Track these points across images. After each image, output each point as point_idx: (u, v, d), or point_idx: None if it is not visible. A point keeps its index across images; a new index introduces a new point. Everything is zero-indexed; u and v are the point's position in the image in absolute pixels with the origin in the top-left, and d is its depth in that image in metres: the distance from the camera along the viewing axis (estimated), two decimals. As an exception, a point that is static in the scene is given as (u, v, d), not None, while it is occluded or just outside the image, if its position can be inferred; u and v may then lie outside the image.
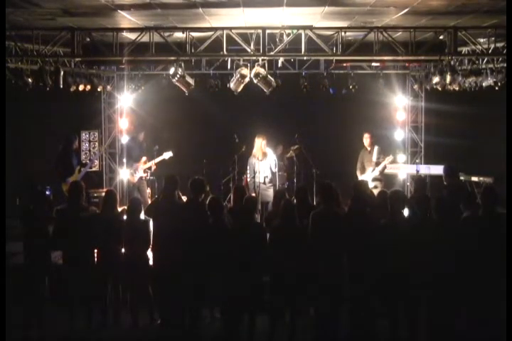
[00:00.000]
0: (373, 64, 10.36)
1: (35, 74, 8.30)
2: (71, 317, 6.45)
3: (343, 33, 8.15)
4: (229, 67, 9.63)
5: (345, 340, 6.01)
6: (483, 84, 8.67)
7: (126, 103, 11.67)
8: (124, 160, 10.88)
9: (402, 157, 11.24)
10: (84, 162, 10.96)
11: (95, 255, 6.51)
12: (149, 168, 10.46)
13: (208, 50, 8.34)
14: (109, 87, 11.15)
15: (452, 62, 8.42)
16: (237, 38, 8.11)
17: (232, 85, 9.47)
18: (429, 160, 11.43)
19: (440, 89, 9.20)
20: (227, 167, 10.17)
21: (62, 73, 8.38)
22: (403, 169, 11.24)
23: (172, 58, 8.59)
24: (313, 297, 5.97)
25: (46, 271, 6.59)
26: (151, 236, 6.42)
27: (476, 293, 5.66)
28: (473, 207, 6.04)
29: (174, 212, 6.31)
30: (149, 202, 9.20)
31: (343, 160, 10.87)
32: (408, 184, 11.39)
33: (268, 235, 6.08)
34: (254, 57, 8.73)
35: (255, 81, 8.98)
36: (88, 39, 8.40)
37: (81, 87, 9.56)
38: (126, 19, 7.88)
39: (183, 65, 8.71)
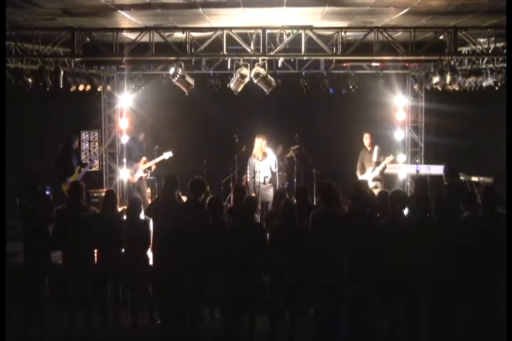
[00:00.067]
0: (373, 64, 10.36)
1: (35, 74, 8.30)
2: (71, 317, 6.45)
3: (343, 33, 8.15)
4: (229, 67, 9.63)
5: (345, 340, 6.01)
6: (483, 84, 8.67)
7: (126, 103, 11.68)
8: (124, 160, 10.88)
9: (402, 157, 11.25)
10: (84, 162, 10.96)
11: (95, 255, 6.51)
12: (149, 168, 10.46)
13: (208, 50, 8.34)
14: (109, 87, 11.15)
15: (452, 62, 8.42)
16: (237, 38, 8.11)
17: (232, 85, 9.47)
18: (429, 160, 11.43)
19: (440, 89, 9.20)
20: (227, 167, 10.17)
21: (62, 73, 8.38)
22: (403, 169, 11.24)
23: (172, 58, 8.59)
24: (313, 297, 5.97)
25: (46, 271, 6.59)
26: (151, 236, 6.42)
27: (476, 293, 5.66)
28: (473, 207, 6.04)
29: (174, 212, 6.31)
30: (149, 202, 9.20)
31: (343, 160, 10.87)
32: (408, 184, 11.39)
33: (268, 235, 6.08)
34: (254, 57, 8.73)
35: (255, 81, 8.98)
36: (88, 39, 8.40)
37: (81, 87, 9.56)
38: (126, 19, 7.88)
39: (183, 64, 8.71)
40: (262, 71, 8.89)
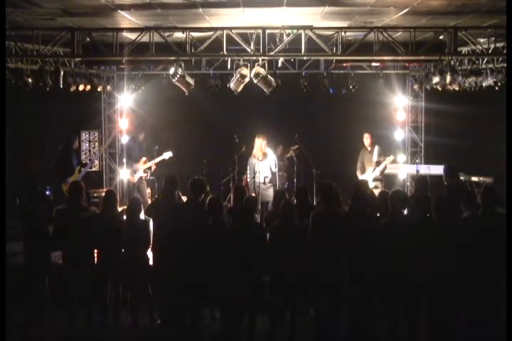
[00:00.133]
0: (373, 64, 10.37)
1: (35, 74, 8.30)
2: (71, 317, 6.44)
3: (343, 33, 8.16)
4: (229, 67, 9.63)
5: (345, 340, 6.01)
6: (483, 84, 8.67)
7: (126, 103, 11.68)
8: (124, 160, 10.88)
9: (402, 157, 11.25)
10: (84, 162, 10.95)
11: (95, 255, 6.51)
12: (149, 168, 10.46)
13: (208, 50, 8.34)
14: (109, 87, 11.15)
15: (452, 62, 8.42)
16: (237, 38, 8.11)
17: (232, 85, 9.47)
18: (429, 160, 11.43)
19: (440, 89, 9.20)
20: (227, 167, 10.17)
21: (62, 73, 8.38)
22: (403, 169, 11.24)
23: (172, 58, 8.59)
24: (313, 297, 5.97)
25: (46, 271, 6.59)
26: (151, 236, 6.42)
27: (476, 293, 5.66)
28: (473, 207, 6.04)
29: (174, 212, 6.30)
30: (149, 202, 9.20)
31: (343, 160, 10.88)
32: (408, 184, 11.39)
33: (268, 235, 6.08)
34: (254, 57, 8.73)
35: (255, 81, 8.98)
36: (88, 39, 8.40)
37: (81, 87, 9.56)
38: (126, 19, 7.88)
39: (183, 64, 8.71)
40: (262, 71, 8.89)
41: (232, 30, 8.10)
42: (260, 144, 9.87)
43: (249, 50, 8.26)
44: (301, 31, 8.12)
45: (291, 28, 8.21)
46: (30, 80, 8.33)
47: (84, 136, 11.67)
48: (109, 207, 6.51)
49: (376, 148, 10.22)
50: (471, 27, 8.13)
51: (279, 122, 11.25)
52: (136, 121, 11.58)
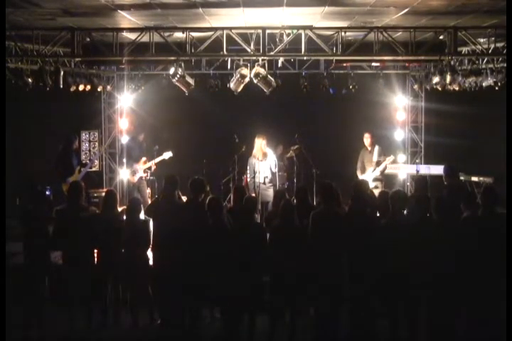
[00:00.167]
0: (373, 64, 10.37)
1: (35, 74, 8.30)
2: (71, 317, 6.44)
3: (343, 33, 8.16)
4: (229, 67, 9.63)
5: (345, 340, 6.01)
6: (483, 84, 8.67)
7: (126, 103, 11.68)
8: (124, 160, 10.88)
9: (402, 157, 11.25)
10: (84, 162, 10.96)
11: (95, 255, 6.51)
12: (149, 168, 10.46)
13: (208, 50, 8.34)
14: (109, 87, 11.15)
15: (452, 62, 8.42)
16: (237, 38, 8.11)
17: (232, 85, 9.47)
18: (429, 160, 11.43)
19: (440, 89, 9.20)
20: (227, 167, 10.16)
21: (62, 73, 8.38)
22: (403, 169, 11.25)
23: (172, 58, 8.59)
24: (313, 297, 5.96)
25: (46, 271, 6.58)
26: (151, 236, 6.42)
27: (476, 293, 5.66)
28: (473, 207, 6.04)
29: (174, 212, 6.30)
30: (149, 202, 9.20)
31: (343, 160, 10.88)
32: (408, 184, 11.39)
33: (268, 235, 6.08)
34: (254, 57, 8.73)
35: (255, 81, 8.98)
36: (88, 39, 8.40)
37: (81, 87, 9.56)
38: (126, 19, 7.88)
39: (183, 64, 8.71)
40: (262, 71, 8.89)
41: (232, 30, 8.10)
42: (260, 144, 9.86)
43: (249, 50, 8.26)
44: (301, 31, 8.11)
45: (291, 28, 8.21)
46: (30, 80, 8.33)
47: (84, 136, 11.67)
48: (109, 207, 6.51)
49: (376, 148, 10.21)
50: (471, 27, 8.13)
51: (279, 122, 11.25)
52: (136, 121, 11.58)
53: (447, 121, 11.06)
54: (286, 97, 10.87)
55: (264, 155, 9.89)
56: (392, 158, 10.16)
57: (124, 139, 11.50)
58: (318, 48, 8.25)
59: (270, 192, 9.64)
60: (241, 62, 9.35)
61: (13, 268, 6.75)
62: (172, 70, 8.72)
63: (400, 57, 8.47)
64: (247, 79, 9.09)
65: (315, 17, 7.84)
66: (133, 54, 8.35)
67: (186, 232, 6.08)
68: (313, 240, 5.93)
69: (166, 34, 8.33)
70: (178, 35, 8.40)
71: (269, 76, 9.03)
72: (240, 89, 9.49)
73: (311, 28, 8.15)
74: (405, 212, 6.13)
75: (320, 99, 10.85)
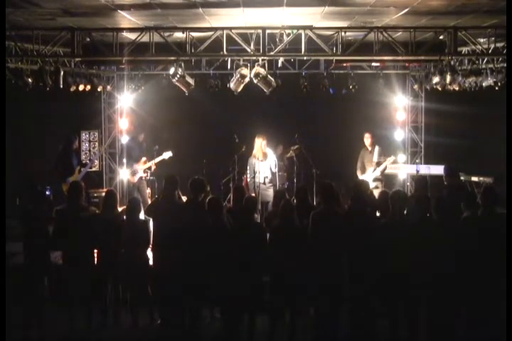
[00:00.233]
0: (373, 64, 10.37)
1: (35, 74, 8.30)
2: (71, 317, 6.44)
3: (343, 33, 8.15)
4: (229, 67, 9.63)
5: (345, 340, 6.01)
6: (483, 84, 8.67)
7: (126, 103, 11.68)
8: (124, 160, 10.88)
9: (402, 157, 11.25)
10: (84, 162, 10.96)
11: (95, 255, 6.51)
12: (149, 168, 10.46)
13: (208, 50, 8.34)
14: (109, 87, 11.16)
15: (452, 62, 8.42)
16: (237, 38, 8.11)
17: (232, 85, 9.47)
18: (429, 160, 11.43)
19: (440, 89, 9.20)
20: (227, 167, 10.16)
21: (62, 73, 8.38)
22: (403, 169, 11.24)
23: (172, 58, 8.59)
24: (313, 297, 5.96)
25: (46, 271, 6.58)
26: (151, 236, 6.42)
27: (476, 293, 5.66)
28: (473, 207, 6.04)
29: (174, 212, 6.30)
30: (149, 202, 9.20)
31: (343, 160, 10.88)
32: (408, 184, 11.39)
33: (268, 235, 6.08)
34: (254, 57, 8.73)
35: (255, 81, 8.98)
36: (88, 39, 8.40)
37: (81, 87, 9.57)
38: (126, 19, 7.88)
39: (183, 64, 8.71)
40: (262, 71, 8.89)
41: (232, 30, 8.10)
42: (260, 144, 9.86)
43: (249, 50, 8.26)
44: (301, 31, 8.11)
45: (291, 28, 8.21)
46: (30, 80, 8.33)
47: (84, 136, 11.67)
48: (109, 207, 6.51)
49: (377, 148, 10.21)
50: (471, 27, 8.13)
51: (279, 122, 11.25)
52: (136, 121, 11.58)
53: (447, 121, 11.06)
54: (286, 97, 10.87)
55: (264, 155, 9.89)
56: (393, 159, 10.15)
57: (124, 139, 11.50)
58: (318, 48, 8.25)
59: (270, 192, 9.64)
60: (241, 62, 9.35)
61: (13, 268, 6.75)
62: (172, 70, 8.72)
63: (400, 57, 8.47)
64: (247, 79, 9.09)
65: (315, 17, 7.84)
66: (133, 54, 8.35)
67: (186, 232, 6.08)
68: (313, 240, 5.93)
69: (166, 34, 8.33)
70: (178, 35, 8.40)
71: (269, 76, 9.03)
72: (239, 89, 9.49)
73: (311, 28, 8.15)
74: (405, 212, 6.13)
75: (320, 99, 10.85)
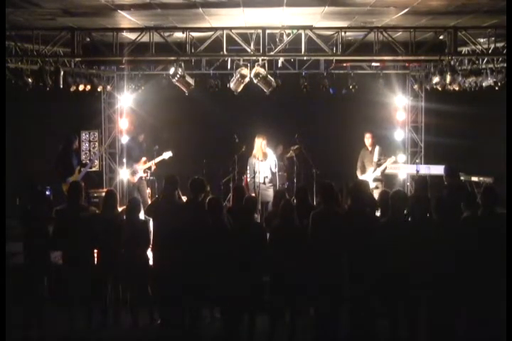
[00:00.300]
0: (373, 64, 10.37)
1: (35, 74, 8.30)
2: (71, 317, 6.44)
3: (343, 33, 8.15)
4: (229, 67, 9.63)
5: (345, 340, 6.01)
6: (483, 84, 8.67)
7: (126, 103, 11.68)
8: (124, 160, 10.88)
9: (402, 157, 11.24)
10: (84, 162, 10.95)
11: (95, 255, 6.51)
12: (149, 168, 10.46)
13: (208, 50, 8.34)
14: (109, 87, 11.16)
15: (452, 62, 8.42)
16: (237, 38, 8.11)
17: (232, 85, 9.47)
18: (429, 160, 11.43)
19: (440, 89, 9.20)
20: (227, 167, 10.16)
21: (62, 73, 8.38)
22: (403, 169, 11.24)
23: (172, 58, 8.59)
24: (313, 297, 5.96)
25: (46, 271, 6.58)
26: (151, 236, 6.42)
27: (476, 293, 5.66)
28: (473, 207, 6.04)
29: (174, 212, 6.30)
30: (149, 202, 9.20)
31: (343, 160, 10.88)
32: (408, 184, 11.39)
33: (268, 235, 6.08)
34: (254, 57, 8.73)
35: (255, 81, 8.98)
36: (88, 39, 8.40)
37: (81, 87, 9.56)
38: (126, 19, 7.88)
39: (183, 64, 8.71)
40: (262, 71, 8.89)
41: (232, 30, 8.09)
42: (260, 144, 9.86)
43: (249, 50, 8.26)
44: (301, 31, 8.11)
45: (291, 28, 8.21)
46: (30, 80, 8.33)
47: (84, 136, 11.67)
48: (109, 207, 6.51)
49: (377, 148, 10.21)
50: (471, 27, 8.13)
51: (279, 122, 11.25)
52: (136, 121, 11.59)
53: (447, 121, 11.06)
54: (286, 97, 10.87)
55: (264, 155, 9.89)
56: (393, 160, 10.15)
57: (124, 139, 11.50)
58: (318, 48, 8.25)
59: (270, 192, 9.64)
60: (241, 62, 9.35)
61: (13, 268, 6.76)
62: (172, 70, 8.71)
63: (400, 57, 8.47)
64: (247, 79, 9.09)
65: (315, 17, 7.84)
66: (133, 54, 8.35)
67: (186, 232, 6.08)
68: (313, 240, 5.92)
69: (166, 34, 8.33)
70: (178, 35, 8.40)
71: (269, 76, 9.03)
72: (239, 89, 9.49)
73: (311, 28, 8.15)
74: (405, 212, 6.13)
75: (320, 99, 10.85)
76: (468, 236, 5.66)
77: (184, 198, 6.94)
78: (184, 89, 9.31)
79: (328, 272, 5.81)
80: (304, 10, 7.40)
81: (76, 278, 6.42)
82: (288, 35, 8.26)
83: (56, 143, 10.12)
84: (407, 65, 10.80)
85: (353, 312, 5.95)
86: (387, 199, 6.04)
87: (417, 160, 11.69)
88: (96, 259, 6.49)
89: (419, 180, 8.27)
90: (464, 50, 8.99)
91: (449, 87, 8.85)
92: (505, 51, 8.20)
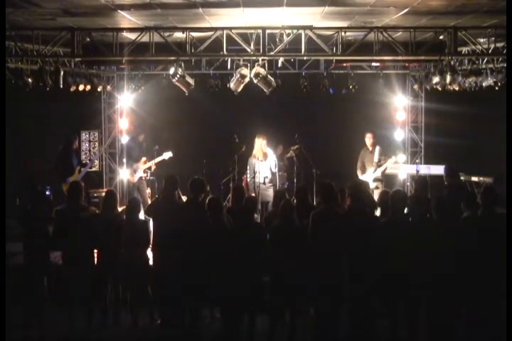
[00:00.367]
0: (373, 64, 10.36)
1: (35, 74, 8.30)
2: (71, 317, 6.44)
3: (343, 33, 8.15)
4: (229, 67, 9.63)
5: (345, 340, 6.01)
6: (483, 84, 8.67)
7: (126, 103, 11.68)
8: (124, 160, 10.88)
9: (402, 157, 11.23)
10: (84, 162, 10.95)
11: (95, 255, 6.51)
12: (149, 168, 10.45)
13: (208, 50, 8.34)
14: (109, 87, 11.15)
15: (452, 62, 8.42)
16: (237, 38, 8.11)
17: (232, 85, 9.47)
18: (429, 160, 11.43)
19: (440, 89, 9.20)
20: (227, 167, 10.16)
21: (62, 73, 8.37)
22: (403, 169, 11.24)
23: (172, 58, 8.58)
24: (313, 297, 5.96)
25: (46, 271, 6.58)
26: (151, 236, 6.42)
27: (476, 293, 5.66)
28: (473, 207, 6.04)
29: (174, 212, 6.30)
30: (149, 202, 9.20)
31: (343, 160, 10.88)
32: (408, 184, 11.39)
33: (268, 235, 6.08)
34: (254, 57, 8.72)
35: (255, 81, 8.98)
36: (88, 39, 8.40)
37: (81, 87, 9.56)
38: (126, 19, 7.88)
39: (183, 64, 8.71)
40: (262, 71, 8.89)
41: (232, 30, 8.09)
42: (260, 144, 9.86)
43: (249, 50, 8.26)
44: (301, 31, 8.11)
45: (291, 28, 8.20)
46: (30, 80, 8.33)
47: (84, 136, 11.67)
48: (109, 207, 6.51)
49: (377, 148, 10.21)
50: (471, 27, 8.13)
51: (279, 122, 11.25)
52: (136, 121, 11.58)
53: (447, 121, 11.06)
54: (286, 97, 10.87)
55: (264, 155, 9.89)
56: (394, 160, 10.14)
57: (124, 139, 11.50)
58: (318, 48, 8.25)
59: (270, 192, 9.64)
60: (241, 62, 9.34)
61: (13, 268, 6.76)
62: (172, 70, 8.71)
63: (400, 57, 8.47)
64: (247, 79, 9.09)
65: (315, 17, 7.84)
66: (133, 54, 8.35)
67: (186, 232, 6.08)
68: (313, 240, 5.93)
69: (166, 34, 8.33)
70: (178, 35, 8.40)
71: (269, 76, 9.03)
72: (239, 89, 9.49)
73: (311, 28, 8.15)
74: (405, 211, 6.13)
75: (320, 99, 10.85)
76: (468, 236, 5.67)
77: (184, 198, 6.94)
78: (184, 89, 9.31)
79: (328, 272, 5.81)
80: (304, 10, 7.40)
81: (76, 278, 6.42)
82: (288, 35, 8.26)
83: (56, 143, 10.11)
84: (407, 65, 10.80)
85: (353, 312, 5.96)
86: (387, 199, 6.04)
87: (417, 160, 11.69)
88: (96, 259, 6.50)
89: (419, 180, 8.27)
90: (464, 50, 8.99)
91: (449, 87, 8.85)
92: (505, 51, 8.19)
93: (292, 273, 5.81)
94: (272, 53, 8.30)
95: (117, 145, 11.89)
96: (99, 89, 10.53)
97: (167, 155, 10.38)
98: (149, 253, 6.54)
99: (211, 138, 11.48)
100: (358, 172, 10.36)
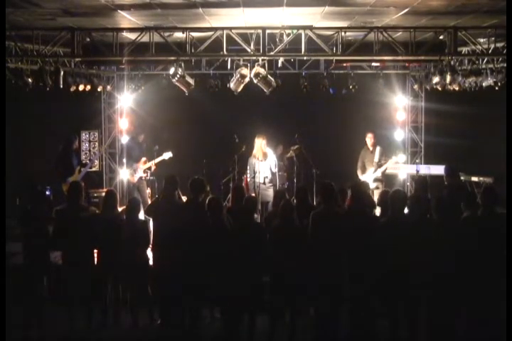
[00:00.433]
0: (373, 64, 10.36)
1: (35, 74, 8.30)
2: (71, 317, 6.44)
3: (343, 33, 8.16)
4: (229, 67, 9.63)
5: (345, 340, 6.01)
6: (483, 84, 8.68)
7: (126, 103, 11.68)
8: (124, 160, 10.88)
9: (402, 157, 11.23)
10: (84, 162, 10.96)
11: (95, 255, 6.51)
12: (149, 168, 10.45)
13: (208, 50, 8.34)
14: (109, 87, 11.16)
15: (452, 62, 8.42)
16: (237, 38, 8.11)
17: (232, 85, 9.47)
18: (429, 160, 11.44)
19: (440, 89, 9.20)
20: (227, 167, 10.16)
21: (62, 73, 8.38)
22: (403, 169, 11.24)
23: (172, 58, 8.59)
24: (313, 297, 5.97)
25: (46, 271, 6.58)
26: (150, 236, 6.42)
27: (476, 293, 5.66)
28: (473, 207, 6.04)
29: (174, 212, 6.30)
30: (149, 202, 9.20)
31: (343, 160, 10.88)
32: (408, 184, 11.39)
33: (268, 235, 6.08)
34: (254, 57, 8.73)
35: (255, 81, 8.98)
36: (88, 39, 8.40)
37: (81, 87, 9.57)
38: (126, 19, 7.88)
39: (183, 64, 8.71)
40: (262, 71, 8.89)
41: (232, 30, 8.10)
42: (260, 144, 9.87)
43: (249, 50, 8.26)
44: (301, 31, 8.11)
45: (291, 28, 8.21)
46: (30, 80, 8.33)
47: (84, 136, 11.68)
48: (109, 207, 6.51)
49: (378, 148, 10.22)
50: (471, 27, 8.13)
51: (279, 122, 11.25)
52: (136, 121, 11.59)
53: (447, 121, 11.06)
54: (286, 97, 10.87)
55: (264, 155, 9.89)
56: (395, 161, 10.14)
57: (124, 139, 11.50)
58: (318, 48, 8.26)
59: (270, 192, 9.64)
60: (241, 62, 9.35)
61: (13, 268, 6.75)
62: (172, 70, 8.71)
63: (400, 57, 8.47)
64: (247, 79, 9.09)
65: (315, 17, 7.84)
66: (133, 54, 8.35)
67: (186, 232, 6.08)
68: (313, 240, 5.93)
69: (166, 34, 8.33)
70: (178, 35, 8.40)
71: (269, 76, 9.03)
72: (239, 89, 9.49)
73: (311, 28, 8.15)
74: (405, 211, 6.13)
75: (320, 99, 10.85)
76: (468, 236, 5.67)
77: (184, 198, 6.94)
78: (184, 89, 9.31)
79: (328, 272, 5.81)
80: (304, 10, 7.40)
81: (76, 278, 6.42)
82: (288, 35, 8.26)
83: (56, 143, 10.11)
84: (407, 65, 10.80)
85: (353, 312, 5.96)
86: (388, 198, 6.04)
87: (417, 160, 11.69)
88: (96, 259, 6.49)
89: (419, 180, 8.27)
90: (464, 50, 8.99)
91: (449, 87, 8.85)
92: (505, 51, 8.20)
93: (292, 273, 5.81)
94: (272, 53, 8.30)
95: (117, 146, 11.90)
96: (99, 89, 10.54)
97: (167, 155, 10.38)
98: (149, 253, 6.54)
99: (211, 138, 11.49)
100: (358, 172, 10.36)
